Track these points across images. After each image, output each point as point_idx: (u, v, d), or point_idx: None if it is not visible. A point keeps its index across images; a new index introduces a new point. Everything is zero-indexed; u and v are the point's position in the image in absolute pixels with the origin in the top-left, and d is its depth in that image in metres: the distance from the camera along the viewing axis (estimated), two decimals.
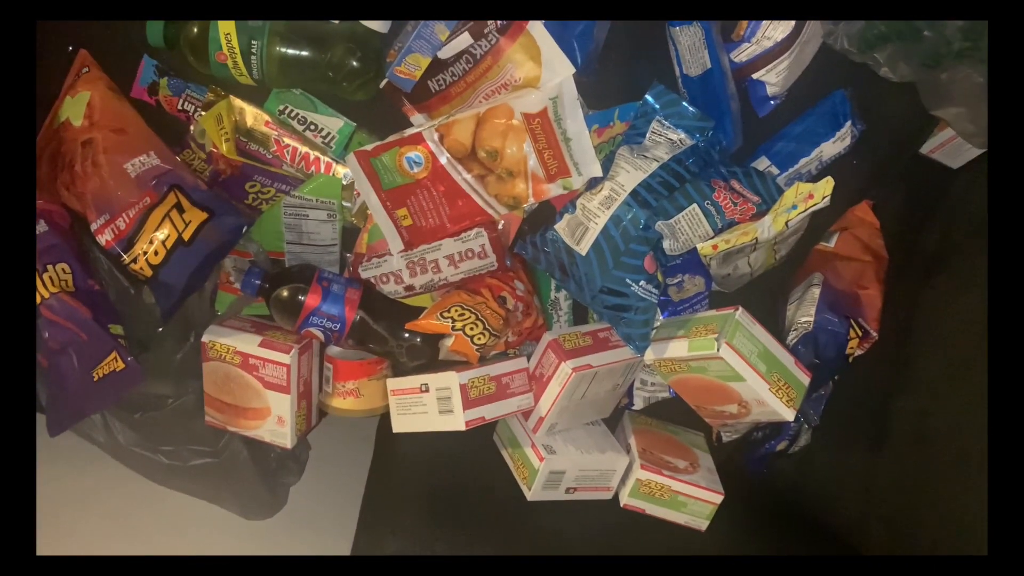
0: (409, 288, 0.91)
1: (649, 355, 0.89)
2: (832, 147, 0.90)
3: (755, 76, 0.86)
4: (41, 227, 0.85)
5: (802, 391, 0.86)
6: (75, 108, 0.81)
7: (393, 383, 0.91)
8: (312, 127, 0.87)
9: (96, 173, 0.80)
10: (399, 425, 0.92)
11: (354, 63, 0.79)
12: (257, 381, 0.89)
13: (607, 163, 0.87)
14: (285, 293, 0.86)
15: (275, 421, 0.91)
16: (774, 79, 0.86)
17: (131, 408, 0.93)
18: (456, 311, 0.86)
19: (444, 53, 0.80)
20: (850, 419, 1.02)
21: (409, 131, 0.83)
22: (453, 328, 0.86)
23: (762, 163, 0.93)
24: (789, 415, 0.85)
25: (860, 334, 0.90)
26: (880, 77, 0.83)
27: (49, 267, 0.84)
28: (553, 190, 0.86)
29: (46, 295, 0.83)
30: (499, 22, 0.79)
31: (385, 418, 0.94)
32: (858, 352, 0.93)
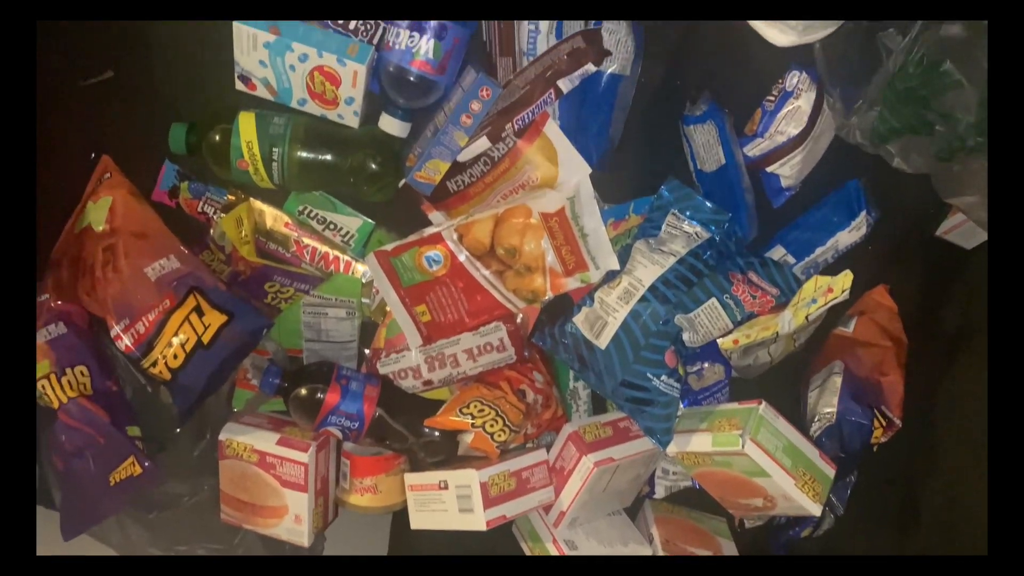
0: (427, 383, 0.90)
1: (672, 448, 0.88)
2: (848, 236, 0.91)
3: (769, 169, 0.87)
4: (60, 329, 0.85)
5: (828, 484, 0.85)
6: (97, 213, 0.82)
7: (411, 479, 0.90)
8: (331, 226, 0.87)
9: (117, 279, 0.80)
10: (417, 522, 0.90)
11: (374, 167, 0.80)
12: (274, 479, 0.88)
13: (623, 255, 0.87)
14: (304, 392, 0.85)
15: (292, 519, 0.90)
16: (788, 172, 0.87)
17: (146, 507, 0.92)
18: (475, 407, 0.86)
19: (463, 156, 0.81)
20: (876, 503, 1.00)
21: (428, 231, 0.84)
22: (473, 425, 0.85)
23: (777, 252, 0.93)
24: (816, 510, 0.83)
25: (884, 423, 0.89)
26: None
27: (68, 370, 0.84)
28: (571, 283, 0.86)
29: (64, 400, 0.83)
30: (516, 125, 0.80)
31: (400, 512, 0.92)
32: (883, 440, 0.91)
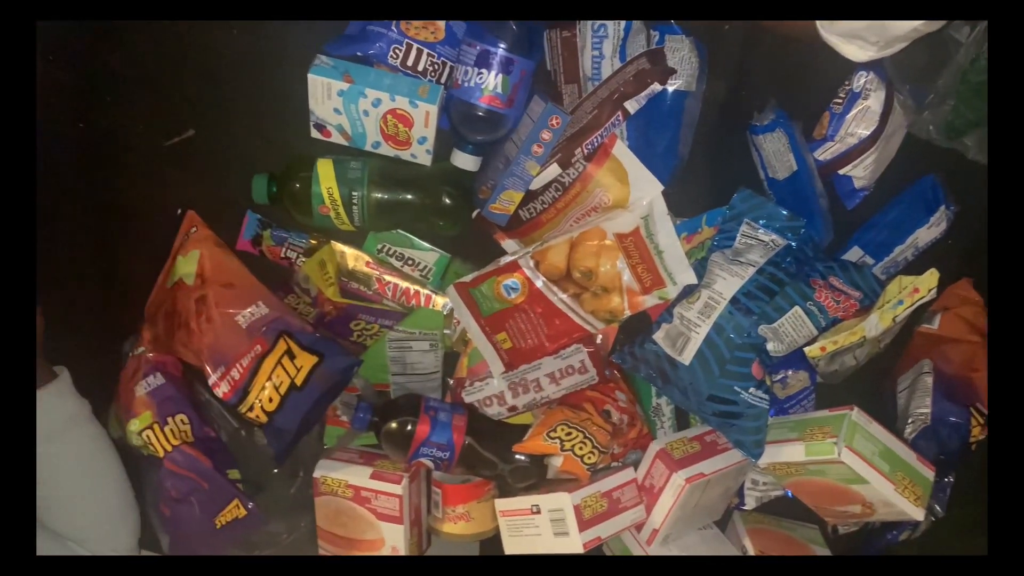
0: (512, 408, 0.91)
1: (763, 460, 0.87)
2: (928, 232, 0.89)
3: (842, 172, 0.86)
4: (158, 379, 0.89)
5: (928, 487, 0.83)
6: (187, 267, 0.85)
7: (502, 504, 0.91)
8: (410, 262, 0.89)
9: (210, 328, 0.83)
10: (511, 547, 0.91)
11: (448, 202, 0.82)
12: (370, 512, 0.90)
13: (698, 269, 0.87)
14: (395, 426, 0.87)
15: (389, 551, 0.91)
16: (861, 173, 0.86)
17: (247, 548, 0.94)
18: (562, 430, 0.86)
19: (534, 184, 0.82)
20: (974, 503, 0.97)
21: (505, 260, 0.85)
22: (562, 448, 0.85)
23: (854, 254, 0.92)
24: (919, 514, 0.82)
25: (982, 421, 0.87)
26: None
27: (169, 419, 0.87)
28: (649, 301, 0.86)
29: (169, 448, 0.86)
30: (585, 149, 0.81)
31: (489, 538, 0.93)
32: (981, 438, 0.89)
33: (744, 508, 1.01)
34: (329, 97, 0.77)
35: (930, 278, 0.78)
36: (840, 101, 0.84)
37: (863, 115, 0.83)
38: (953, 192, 0.90)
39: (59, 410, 0.83)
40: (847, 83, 0.83)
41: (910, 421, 0.89)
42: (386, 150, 0.82)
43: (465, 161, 0.81)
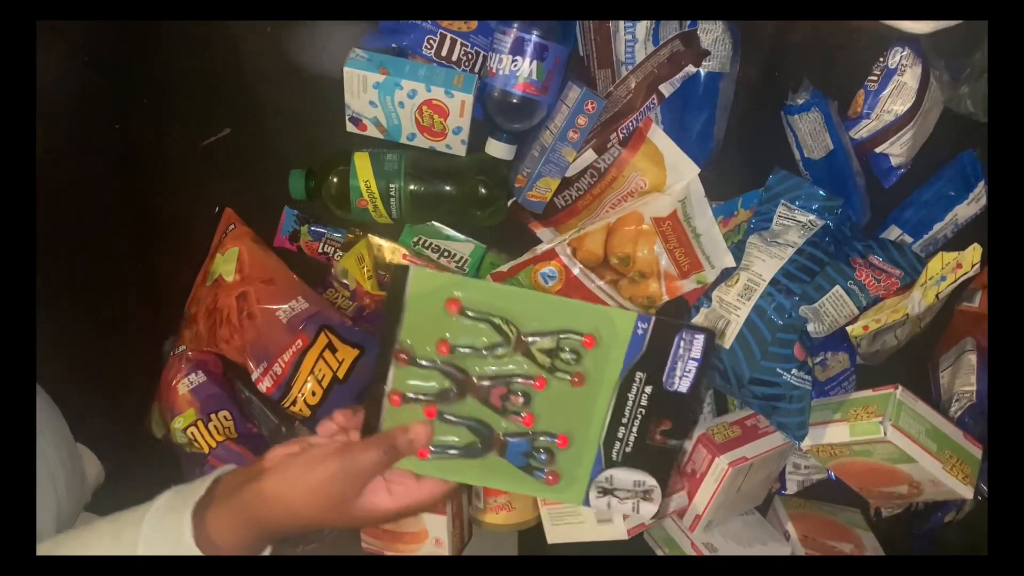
0: None
1: (806, 442, 0.86)
2: (967, 209, 0.88)
3: (878, 150, 0.86)
4: (199, 377, 0.90)
5: (976, 465, 0.82)
6: (226, 265, 0.86)
7: None
8: (446, 254, 0.89)
9: (252, 325, 0.84)
10: (554, 536, 0.91)
11: (484, 192, 0.82)
12: None
13: (735, 252, 0.87)
14: None
15: (433, 543, 0.92)
16: (898, 151, 0.85)
17: (292, 543, 0.95)
18: None
19: (569, 171, 0.82)
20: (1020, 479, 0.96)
21: (541, 248, 0.85)
22: None
23: (892, 232, 0.91)
24: (968, 492, 0.81)
25: None
26: None
27: (212, 416, 0.88)
28: (687, 286, 0.86)
29: (213, 444, 0.87)
30: (621, 134, 0.80)
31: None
32: None
33: (785, 493, 1.00)
34: (365, 90, 0.78)
35: (973, 253, 0.77)
36: (875, 78, 0.83)
37: (899, 91, 0.82)
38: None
39: None
40: (882, 59, 0.82)
41: (955, 399, 0.88)
42: (421, 142, 0.83)
43: (500, 150, 0.81)
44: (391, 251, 0.88)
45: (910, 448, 0.79)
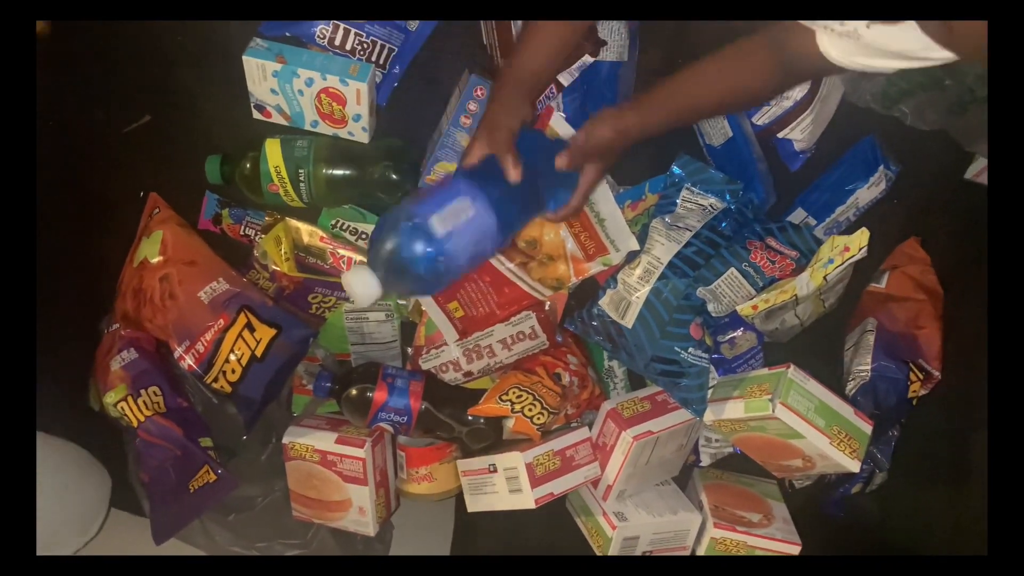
0: (468, 374, 0.95)
1: (708, 416, 0.90)
2: (867, 193, 0.90)
3: (781, 135, 0.88)
4: (131, 354, 0.93)
5: (865, 440, 0.86)
6: (151, 247, 0.89)
7: (463, 464, 0.95)
8: (363, 236, 0.93)
9: (175, 305, 0.87)
10: (473, 505, 0.95)
11: (393, 176, 0.85)
12: (336, 475, 0.94)
13: (643, 235, 0.89)
14: (354, 393, 0.91)
15: (357, 511, 0.96)
16: (800, 135, 0.87)
17: (225, 511, 1.00)
18: (514, 393, 0.90)
19: None
20: (929, 455, 1.00)
21: None
22: (512, 410, 0.89)
23: (799, 215, 0.94)
24: (854, 466, 0.85)
25: (921, 377, 0.89)
26: None
27: (142, 391, 0.92)
28: (594, 268, 0.89)
29: (141, 419, 0.91)
30: None
31: (462, 496, 0.97)
32: (922, 393, 0.91)
33: (701, 465, 1.04)
34: (265, 78, 0.80)
35: (860, 237, 0.79)
36: None
37: None
38: (894, 153, 0.91)
39: None
40: None
41: (851, 378, 0.91)
42: (325, 129, 0.85)
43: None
44: (309, 233, 0.91)
45: (797, 424, 0.83)
